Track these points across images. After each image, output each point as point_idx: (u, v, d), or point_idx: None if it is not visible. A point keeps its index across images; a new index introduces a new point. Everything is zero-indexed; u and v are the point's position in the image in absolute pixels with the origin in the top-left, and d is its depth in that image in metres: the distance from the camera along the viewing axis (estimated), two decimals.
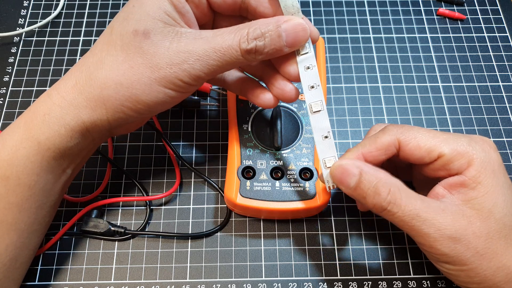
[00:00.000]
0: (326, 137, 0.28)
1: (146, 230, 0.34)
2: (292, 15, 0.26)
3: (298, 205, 0.32)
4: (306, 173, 0.33)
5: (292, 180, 0.32)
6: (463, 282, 0.27)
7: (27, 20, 0.45)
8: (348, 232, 0.34)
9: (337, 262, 0.33)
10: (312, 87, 0.27)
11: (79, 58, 0.42)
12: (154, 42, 0.26)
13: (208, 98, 0.40)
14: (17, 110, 0.39)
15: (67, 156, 0.28)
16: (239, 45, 0.26)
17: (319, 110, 0.27)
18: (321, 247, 0.34)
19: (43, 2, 0.46)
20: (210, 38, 0.26)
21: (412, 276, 0.33)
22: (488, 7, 0.46)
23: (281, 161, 0.33)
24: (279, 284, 0.32)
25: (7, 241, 0.27)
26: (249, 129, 0.34)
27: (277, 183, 0.32)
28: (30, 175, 0.27)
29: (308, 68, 0.27)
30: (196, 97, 0.40)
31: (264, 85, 0.30)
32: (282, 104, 0.35)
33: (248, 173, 0.33)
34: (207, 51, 0.26)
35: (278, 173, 0.33)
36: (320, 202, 0.32)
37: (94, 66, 0.27)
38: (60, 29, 0.44)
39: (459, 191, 0.27)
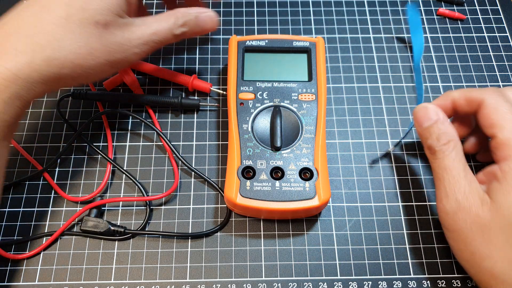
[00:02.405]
0: None
1: (146, 230, 0.34)
2: None
3: (298, 205, 0.32)
4: (306, 173, 0.33)
5: (292, 180, 0.32)
6: (457, 255, 0.30)
7: None
8: (348, 232, 0.34)
9: (337, 262, 0.33)
10: None
11: None
12: (112, 32, 0.30)
13: (208, 98, 0.40)
14: None
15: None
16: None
17: None
18: (321, 247, 0.34)
19: None
20: (149, 23, 0.32)
21: (412, 276, 0.33)
22: (488, 7, 0.46)
23: (281, 161, 0.33)
24: (279, 284, 0.32)
25: None
26: (249, 129, 0.34)
27: (277, 183, 0.32)
28: None
29: None
30: (196, 98, 0.40)
31: None
32: (282, 104, 0.35)
33: (248, 173, 0.33)
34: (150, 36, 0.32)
35: (278, 173, 0.33)
36: (320, 202, 0.32)
37: (49, 46, 0.28)
38: None
39: (489, 181, 0.28)
